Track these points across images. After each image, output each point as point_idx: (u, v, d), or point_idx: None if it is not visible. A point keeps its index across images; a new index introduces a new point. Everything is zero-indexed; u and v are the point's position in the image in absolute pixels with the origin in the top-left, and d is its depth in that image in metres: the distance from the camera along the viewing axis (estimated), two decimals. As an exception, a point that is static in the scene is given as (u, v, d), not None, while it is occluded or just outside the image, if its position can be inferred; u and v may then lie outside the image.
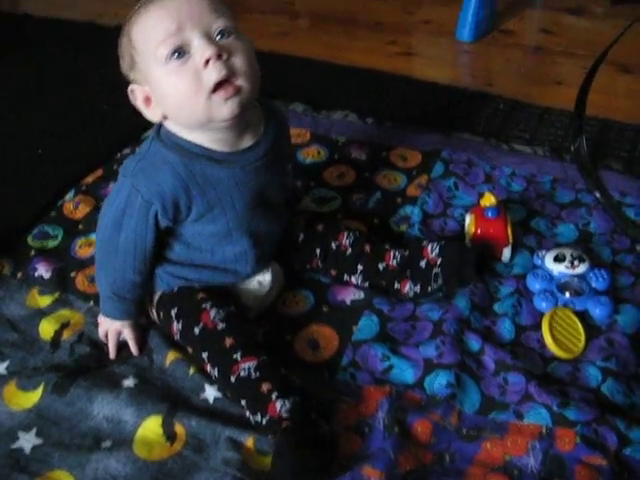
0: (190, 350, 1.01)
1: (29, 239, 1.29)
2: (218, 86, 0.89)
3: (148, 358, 1.05)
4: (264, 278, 1.08)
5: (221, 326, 0.97)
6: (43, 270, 1.21)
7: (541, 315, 1.06)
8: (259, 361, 0.93)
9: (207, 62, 0.87)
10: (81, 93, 1.84)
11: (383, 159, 1.43)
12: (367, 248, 1.11)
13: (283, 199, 1.10)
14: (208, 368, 0.97)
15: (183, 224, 1.00)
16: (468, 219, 1.17)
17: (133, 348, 1.06)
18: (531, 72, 1.84)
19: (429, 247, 1.09)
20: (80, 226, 1.32)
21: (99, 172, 1.47)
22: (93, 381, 1.01)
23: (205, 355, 0.97)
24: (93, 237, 1.27)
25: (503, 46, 1.97)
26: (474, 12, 1.96)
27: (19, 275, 1.22)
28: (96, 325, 1.10)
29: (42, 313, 1.14)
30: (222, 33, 0.89)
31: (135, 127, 1.57)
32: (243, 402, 0.93)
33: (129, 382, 1.00)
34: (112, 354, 1.06)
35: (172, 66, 0.89)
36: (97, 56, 2.03)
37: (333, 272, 1.13)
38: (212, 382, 0.98)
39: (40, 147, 1.60)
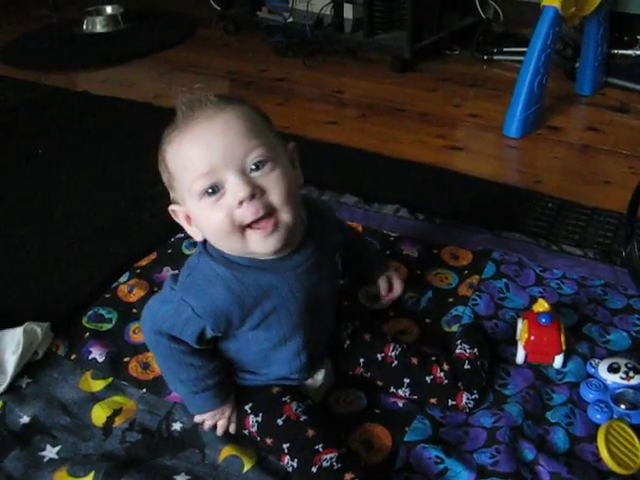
0: (269, 442, 1.01)
1: (84, 320, 1.31)
2: (256, 222, 0.89)
3: (200, 452, 1.05)
4: (318, 374, 1.09)
5: (303, 418, 0.99)
6: (97, 353, 1.23)
7: (595, 427, 1.04)
8: (340, 452, 0.95)
9: (241, 202, 0.87)
10: (136, 173, 1.90)
11: (434, 256, 1.45)
12: (414, 360, 1.11)
13: (334, 295, 1.10)
14: (286, 460, 0.97)
15: (231, 335, 1.00)
16: (521, 325, 1.17)
17: (232, 427, 1.06)
18: (579, 170, 1.85)
19: (459, 350, 1.12)
20: (134, 310, 1.34)
21: (153, 255, 1.50)
22: (145, 473, 1.01)
23: (286, 446, 0.97)
24: (147, 322, 1.29)
25: (550, 143, 2.00)
26: (522, 108, 1.98)
27: (73, 357, 1.24)
28: (147, 412, 1.12)
29: (95, 398, 1.16)
30: (257, 165, 0.88)
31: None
32: None
33: (181, 478, 1.00)
34: (221, 432, 1.07)
35: (205, 202, 0.89)
36: (152, 137, 2.10)
37: (379, 383, 1.13)
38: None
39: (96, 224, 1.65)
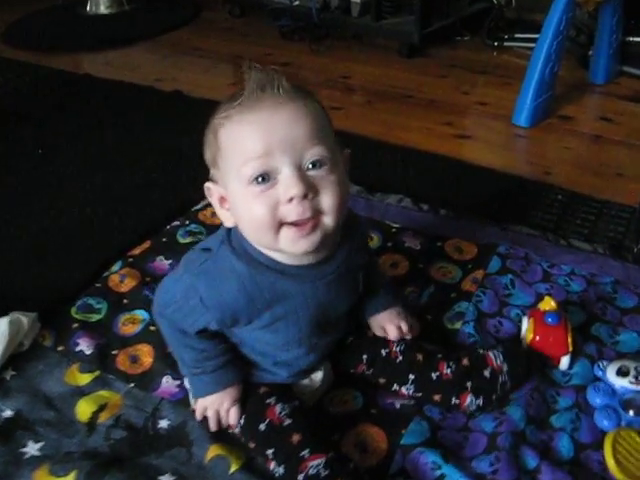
0: (252, 445, 0.97)
1: (73, 311, 1.27)
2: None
3: (187, 451, 1.00)
4: (316, 375, 1.05)
5: (288, 422, 0.94)
6: (85, 345, 1.19)
7: (602, 433, 0.99)
8: (327, 458, 0.90)
9: (291, 199, 0.82)
10: (134, 159, 1.86)
11: (438, 250, 1.39)
12: (419, 357, 1.06)
13: (347, 311, 1.04)
14: (272, 465, 0.93)
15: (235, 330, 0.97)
16: (526, 323, 1.12)
17: (233, 419, 0.99)
18: (590, 162, 1.79)
19: (491, 355, 1.05)
20: (125, 301, 1.30)
21: (147, 244, 1.46)
22: (128, 472, 0.96)
23: (270, 452, 0.93)
24: (138, 314, 1.26)
25: (561, 132, 1.94)
26: (533, 96, 1.93)
27: (60, 348, 1.19)
28: (134, 407, 1.08)
29: (80, 392, 1.11)
30: (315, 164, 0.83)
31: (186, 199, 1.57)
32: None
33: (165, 478, 0.96)
34: (214, 427, 1.01)
35: (252, 189, 0.83)
36: (153, 122, 2.07)
37: (382, 380, 1.07)
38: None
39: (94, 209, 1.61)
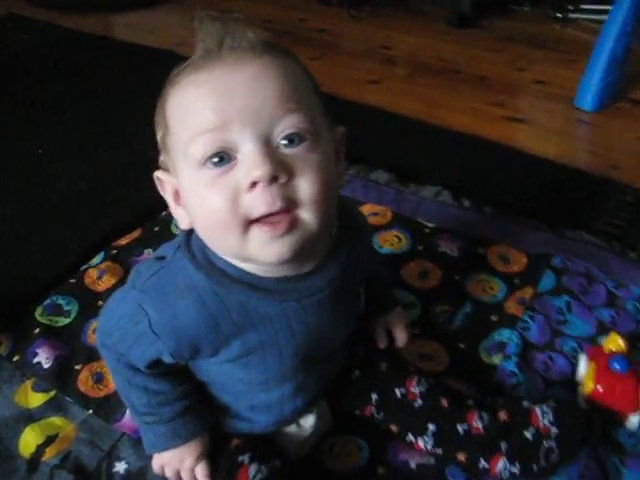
0: None
1: (38, 311, 1.10)
2: (267, 216, 0.62)
3: (145, 507, 0.81)
4: (305, 420, 0.83)
5: None
6: (43, 357, 1.02)
7: (682, 524, 0.76)
8: None
9: (254, 184, 0.61)
10: (142, 131, 1.64)
11: (479, 258, 1.17)
12: (443, 402, 0.84)
13: (346, 336, 0.82)
14: None
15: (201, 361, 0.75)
16: (584, 366, 0.88)
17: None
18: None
19: (538, 410, 0.81)
20: (100, 302, 1.11)
21: (137, 233, 1.27)
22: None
23: None
24: (110, 320, 1.06)
25: (631, 119, 1.73)
26: (600, 76, 1.72)
27: (16, 358, 1.02)
28: (87, 443, 0.89)
29: (29, 417, 0.93)
30: (290, 139, 0.62)
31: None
32: None
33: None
34: None
35: (205, 174, 0.62)
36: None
37: (394, 428, 0.86)
38: None
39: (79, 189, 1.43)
